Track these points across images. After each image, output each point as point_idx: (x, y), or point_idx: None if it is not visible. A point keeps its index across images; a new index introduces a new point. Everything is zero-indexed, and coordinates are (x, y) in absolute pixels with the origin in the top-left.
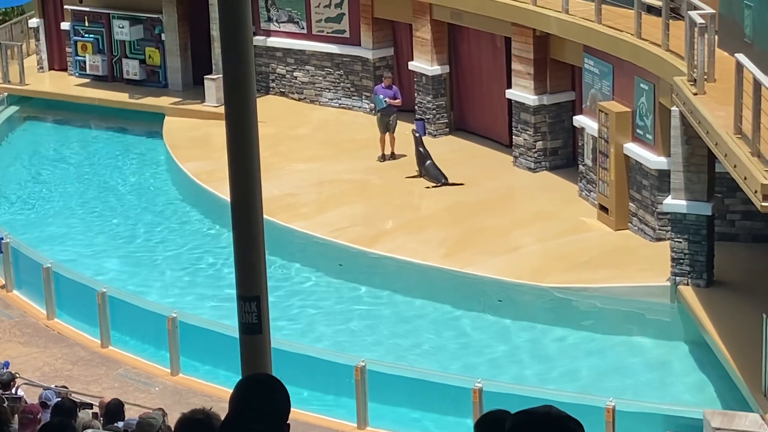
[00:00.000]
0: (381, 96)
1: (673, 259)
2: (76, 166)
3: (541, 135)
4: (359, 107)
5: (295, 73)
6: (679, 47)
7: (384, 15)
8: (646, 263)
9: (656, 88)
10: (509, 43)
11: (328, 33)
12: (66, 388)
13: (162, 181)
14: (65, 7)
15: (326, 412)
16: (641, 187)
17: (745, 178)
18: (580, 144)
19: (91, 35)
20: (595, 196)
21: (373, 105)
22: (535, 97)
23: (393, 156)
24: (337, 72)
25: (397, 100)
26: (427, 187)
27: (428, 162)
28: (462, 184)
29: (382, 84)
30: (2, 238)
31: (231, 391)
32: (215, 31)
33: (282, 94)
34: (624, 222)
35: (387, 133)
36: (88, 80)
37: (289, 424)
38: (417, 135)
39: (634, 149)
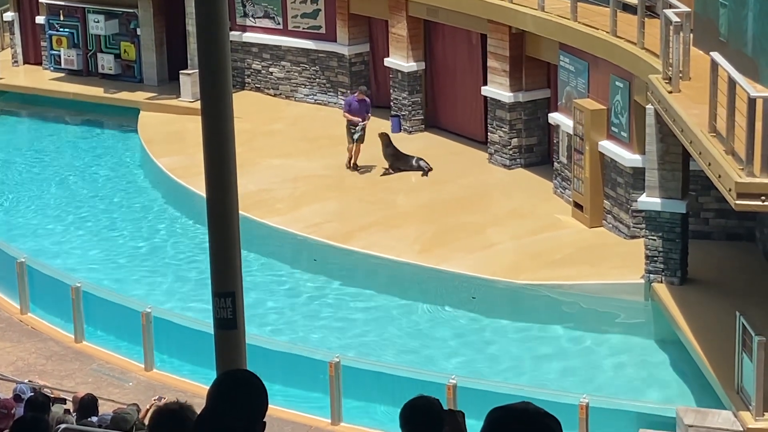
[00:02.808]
0: (360, 126)
1: (647, 257)
2: (50, 160)
3: (517, 132)
4: (335, 103)
5: (270, 69)
6: (654, 45)
7: (360, 11)
8: (620, 261)
9: (631, 86)
10: (485, 40)
11: (303, 29)
12: (39, 382)
13: (137, 177)
14: (40, 0)
15: (300, 408)
16: (616, 185)
17: (720, 176)
18: (555, 141)
19: (66, 29)
20: (570, 194)
21: (347, 110)
22: (511, 94)
23: (356, 167)
24: (312, 68)
25: (368, 115)
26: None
27: (400, 154)
28: (431, 169)
29: (355, 96)
30: None
31: (205, 386)
32: (191, 26)
33: (257, 89)
34: (598, 219)
35: (354, 144)
36: (62, 74)
37: (265, 422)
38: (384, 134)
39: (609, 147)
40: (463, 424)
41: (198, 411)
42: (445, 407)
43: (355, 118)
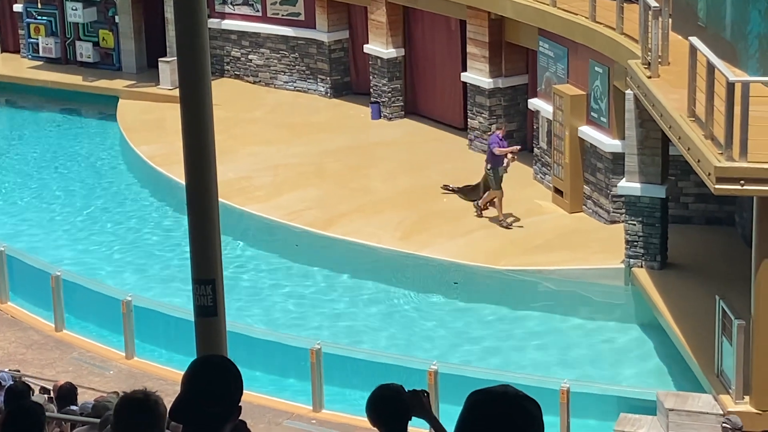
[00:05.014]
0: (504, 164)
1: (627, 242)
2: (28, 149)
3: (496, 118)
4: (314, 90)
5: (250, 56)
6: (633, 30)
7: None
8: (600, 246)
9: (611, 71)
10: (464, 26)
11: (282, 16)
12: (20, 371)
13: (116, 165)
14: None
15: (282, 395)
16: (596, 170)
17: (699, 161)
18: (534, 127)
19: (44, 17)
20: (550, 179)
21: (498, 164)
22: (490, 80)
23: (484, 211)
24: (292, 55)
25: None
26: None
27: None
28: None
29: (499, 133)
30: None
31: None
32: (169, 14)
33: (237, 77)
34: (578, 205)
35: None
36: (41, 63)
37: (240, 406)
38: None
39: (589, 132)
40: (428, 403)
41: (173, 399)
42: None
43: (513, 148)
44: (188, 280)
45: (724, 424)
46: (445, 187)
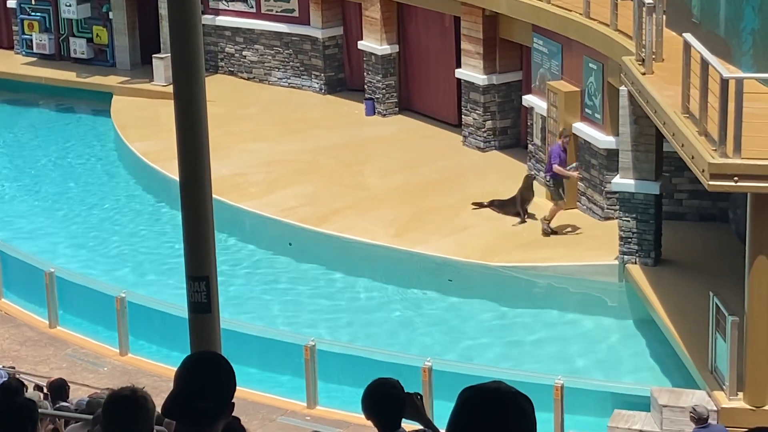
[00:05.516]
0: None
1: (621, 238)
2: (23, 146)
3: (491, 114)
4: (308, 86)
5: (244, 52)
6: (627, 27)
7: None
8: (594, 242)
9: (605, 67)
10: (458, 23)
11: (277, 12)
12: (14, 368)
13: (110, 161)
14: None
15: (276, 392)
16: (590, 167)
17: (693, 158)
18: (529, 123)
19: (37, 13)
20: (544, 175)
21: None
22: (485, 76)
23: (553, 231)
24: (286, 51)
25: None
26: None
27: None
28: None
29: (560, 143)
30: None
31: None
32: (163, 10)
33: (231, 73)
34: (572, 201)
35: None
36: (35, 59)
37: (234, 403)
38: (530, 176)
39: (583, 129)
40: (422, 405)
41: (166, 396)
42: (420, 390)
43: (572, 173)
44: (182, 277)
45: (690, 414)
46: (476, 204)
